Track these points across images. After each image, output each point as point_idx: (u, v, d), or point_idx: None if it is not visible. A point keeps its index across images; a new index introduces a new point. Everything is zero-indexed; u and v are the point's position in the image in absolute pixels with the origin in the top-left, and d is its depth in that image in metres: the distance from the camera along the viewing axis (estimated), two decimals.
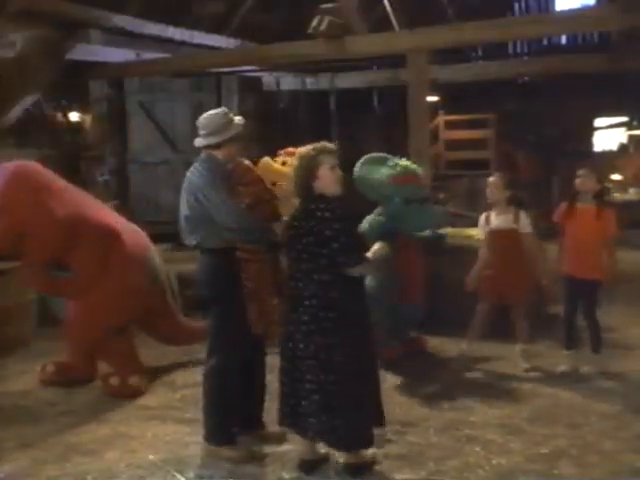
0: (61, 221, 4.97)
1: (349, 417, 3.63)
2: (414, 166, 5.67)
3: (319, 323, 3.63)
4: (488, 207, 5.53)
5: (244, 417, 4.21)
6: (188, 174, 4.08)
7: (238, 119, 4.19)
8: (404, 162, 5.64)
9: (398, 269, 5.33)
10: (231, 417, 4.12)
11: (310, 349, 3.64)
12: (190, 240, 4.06)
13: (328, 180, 3.71)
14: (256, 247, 4.01)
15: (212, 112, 4.15)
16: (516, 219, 5.35)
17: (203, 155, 4.11)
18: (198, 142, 4.11)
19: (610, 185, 9.37)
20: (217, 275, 4.02)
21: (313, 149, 3.75)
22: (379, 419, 3.82)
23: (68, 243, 5.01)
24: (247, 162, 4.29)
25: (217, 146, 4.06)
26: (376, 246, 3.79)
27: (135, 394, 5.09)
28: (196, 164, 4.09)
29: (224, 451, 4.04)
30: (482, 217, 5.55)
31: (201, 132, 4.10)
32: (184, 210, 4.05)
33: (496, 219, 5.42)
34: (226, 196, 3.93)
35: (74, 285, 5.14)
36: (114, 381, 5.14)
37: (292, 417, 3.77)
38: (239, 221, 3.94)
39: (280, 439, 4.18)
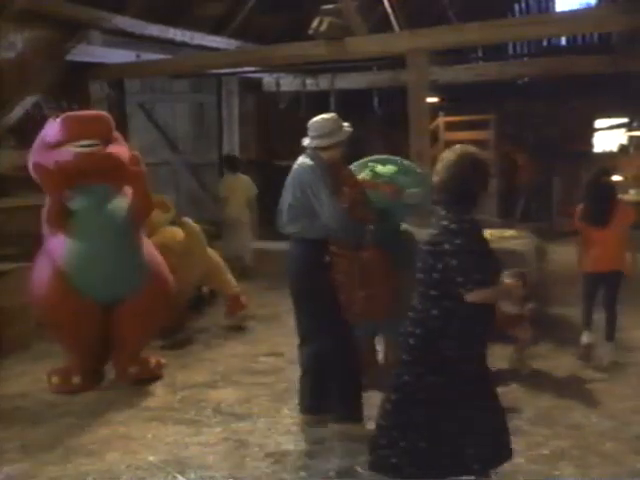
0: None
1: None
2: (379, 173, 5.18)
3: (406, 338, 3.38)
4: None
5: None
6: (296, 167, 4.33)
7: (346, 125, 4.41)
8: (380, 168, 5.25)
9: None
10: (361, 394, 4.34)
11: (405, 365, 3.37)
12: (289, 229, 4.36)
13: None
14: (348, 244, 4.35)
15: (324, 116, 4.39)
16: None
17: (310, 153, 4.33)
18: (308, 143, 4.34)
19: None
20: (313, 264, 4.28)
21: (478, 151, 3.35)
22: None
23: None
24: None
25: (325, 148, 4.30)
26: (510, 279, 3.51)
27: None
28: (305, 160, 4.31)
29: (360, 428, 4.22)
30: None
31: (312, 134, 4.33)
32: (288, 200, 4.31)
33: None
34: (332, 195, 4.17)
35: None
36: (134, 370, 5.33)
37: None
38: (340, 220, 4.17)
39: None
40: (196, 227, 6.68)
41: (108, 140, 5.20)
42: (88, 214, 5.11)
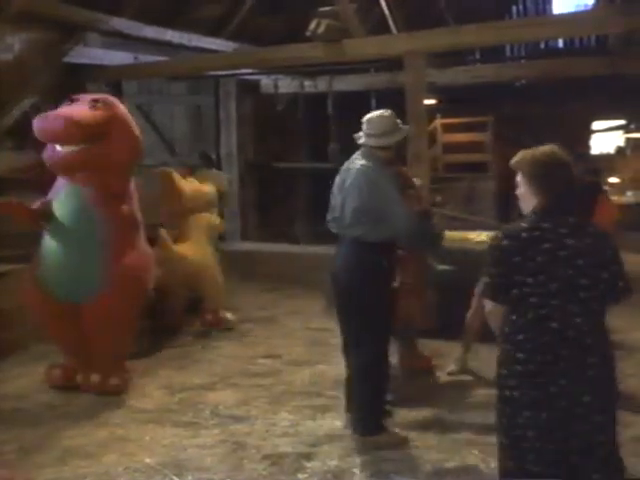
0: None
1: None
2: None
3: (585, 370, 2.80)
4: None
5: None
6: (359, 168, 4.12)
7: (402, 123, 4.29)
8: None
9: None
10: (382, 407, 4.30)
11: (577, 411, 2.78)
12: (351, 231, 4.13)
13: None
14: (416, 248, 4.32)
15: (383, 113, 4.22)
16: None
17: (367, 152, 4.19)
18: (364, 140, 4.20)
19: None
20: (376, 268, 4.09)
21: None
22: None
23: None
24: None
25: (383, 148, 4.18)
26: None
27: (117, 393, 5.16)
28: (367, 162, 4.13)
29: (382, 438, 4.15)
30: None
31: (369, 131, 4.18)
32: (353, 202, 4.08)
33: None
34: (403, 200, 4.08)
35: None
36: (95, 378, 5.19)
37: None
38: (410, 225, 4.07)
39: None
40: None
41: (88, 140, 4.99)
42: (57, 214, 5.12)
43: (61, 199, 5.14)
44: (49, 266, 5.15)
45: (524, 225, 2.79)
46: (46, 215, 5.09)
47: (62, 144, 4.98)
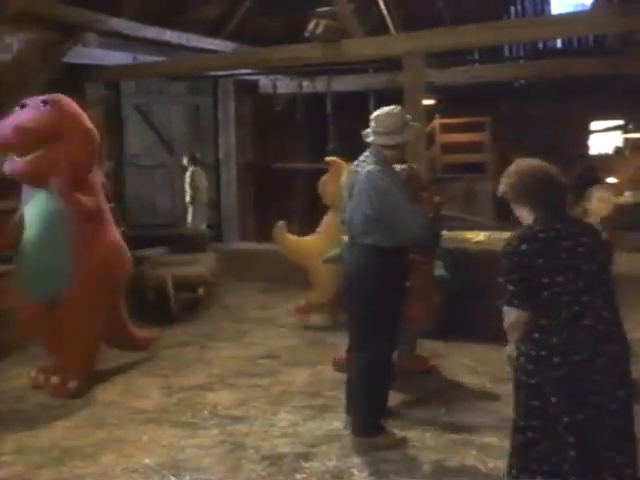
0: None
1: None
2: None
3: (619, 364, 2.77)
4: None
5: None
6: (368, 174, 3.98)
7: (411, 119, 4.15)
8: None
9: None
10: (382, 408, 4.30)
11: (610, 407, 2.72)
12: (364, 239, 4.04)
13: None
14: (427, 250, 4.28)
15: (392, 111, 4.07)
16: None
17: (375, 152, 4.06)
18: (372, 139, 4.06)
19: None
20: (386, 272, 4.01)
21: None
22: None
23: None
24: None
25: (391, 147, 4.04)
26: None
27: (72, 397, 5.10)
28: (373, 165, 4.00)
29: (381, 440, 4.14)
30: None
31: (378, 129, 4.03)
32: (363, 211, 3.99)
33: None
34: (412, 204, 3.98)
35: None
36: (55, 380, 5.15)
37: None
38: (426, 231, 4.01)
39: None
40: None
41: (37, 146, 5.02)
42: (26, 216, 5.20)
43: (29, 203, 5.19)
44: (22, 268, 5.21)
45: (538, 227, 2.82)
46: (17, 232, 5.19)
47: (17, 155, 5.04)
